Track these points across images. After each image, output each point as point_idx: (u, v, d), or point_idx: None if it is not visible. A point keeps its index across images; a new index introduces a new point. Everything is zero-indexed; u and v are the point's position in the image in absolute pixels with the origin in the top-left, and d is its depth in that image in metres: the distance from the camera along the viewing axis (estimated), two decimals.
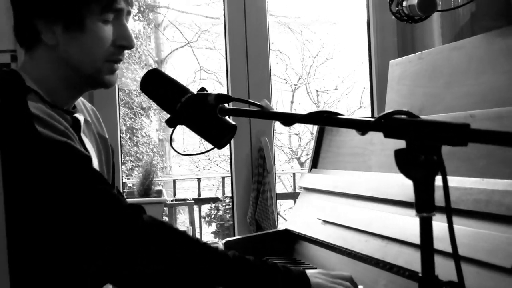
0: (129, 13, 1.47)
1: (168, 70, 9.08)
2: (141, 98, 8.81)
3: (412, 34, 2.81)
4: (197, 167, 8.53)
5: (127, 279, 1.32)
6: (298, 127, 8.52)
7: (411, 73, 2.08)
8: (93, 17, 1.39)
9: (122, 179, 3.00)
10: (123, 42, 1.44)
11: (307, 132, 8.52)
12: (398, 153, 0.81)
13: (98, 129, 1.67)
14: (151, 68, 1.34)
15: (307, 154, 8.37)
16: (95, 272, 1.34)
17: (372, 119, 0.87)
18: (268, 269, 1.35)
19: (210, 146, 1.31)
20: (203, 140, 1.22)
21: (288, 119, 1.03)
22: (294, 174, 6.44)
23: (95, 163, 1.55)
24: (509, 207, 1.14)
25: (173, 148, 1.29)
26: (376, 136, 1.81)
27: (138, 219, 1.30)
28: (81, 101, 1.63)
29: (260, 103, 1.11)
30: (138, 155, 8.61)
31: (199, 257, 1.30)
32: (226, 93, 1.28)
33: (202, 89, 1.27)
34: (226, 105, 1.20)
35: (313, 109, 8.58)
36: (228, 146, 2.82)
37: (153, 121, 9.33)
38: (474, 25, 2.52)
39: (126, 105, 8.73)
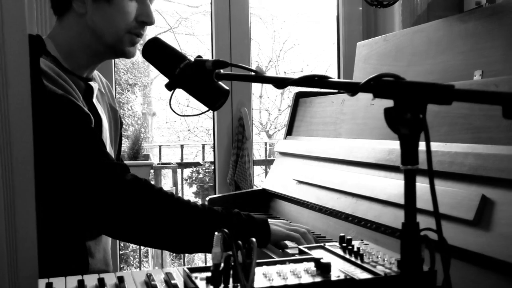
0: None
1: None
2: (128, 76, 8.67)
3: (375, 21, 2.79)
4: (178, 137, 8.46)
5: (112, 227, 1.31)
6: (267, 104, 8.50)
7: (376, 53, 2.05)
8: None
9: None
10: (144, 18, 1.43)
11: (275, 109, 8.50)
12: (387, 111, 0.78)
13: (110, 101, 1.65)
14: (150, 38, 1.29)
15: (275, 128, 8.36)
16: (86, 219, 1.32)
17: (362, 82, 0.84)
18: (234, 215, 1.36)
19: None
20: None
21: (281, 83, 0.99)
22: (266, 143, 6.41)
23: (106, 129, 1.52)
24: (471, 166, 1.13)
25: (172, 109, 1.25)
26: (346, 107, 1.78)
27: (122, 175, 1.29)
28: (97, 74, 1.62)
29: (254, 69, 1.07)
30: (124, 126, 8.51)
31: (173, 208, 1.30)
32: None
33: (199, 57, 1.22)
34: (221, 71, 1.16)
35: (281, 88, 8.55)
36: (211, 115, 2.77)
37: (138, 96, 9.21)
38: (430, 15, 2.51)
39: (115, 81, 8.59)
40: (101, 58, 1.49)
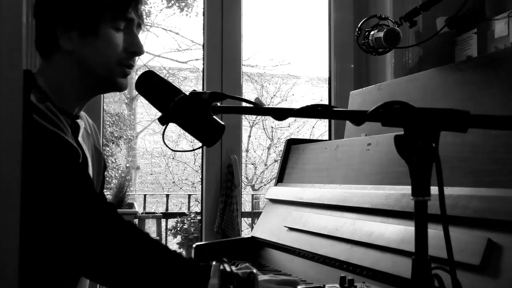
0: (139, 25, 1.46)
1: (139, 106, 8.95)
2: (113, 128, 8.64)
3: (367, 75, 2.80)
4: (162, 188, 8.35)
5: (95, 271, 1.25)
6: (253, 158, 8.45)
7: (370, 102, 2.04)
8: (106, 25, 1.37)
9: None
10: (133, 48, 1.42)
11: (261, 163, 8.45)
12: (397, 139, 0.74)
13: (96, 143, 1.62)
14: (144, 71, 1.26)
15: (261, 182, 8.29)
16: (68, 260, 1.26)
17: (370, 110, 0.80)
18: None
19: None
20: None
21: (282, 114, 0.96)
22: (252, 195, 6.33)
23: (90, 170, 1.49)
24: (475, 209, 1.09)
25: (165, 144, 1.20)
26: (340, 153, 1.75)
27: (109, 215, 1.25)
28: (85, 115, 1.60)
29: (253, 101, 1.03)
30: (107, 178, 8.41)
31: (157, 255, 1.24)
32: None
33: (194, 91, 1.19)
34: (218, 104, 1.12)
35: (268, 143, 8.56)
36: (200, 161, 2.72)
37: (122, 149, 9.14)
38: (422, 68, 2.52)
39: (102, 134, 8.52)
40: (92, 93, 1.47)
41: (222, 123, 1.18)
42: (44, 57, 1.44)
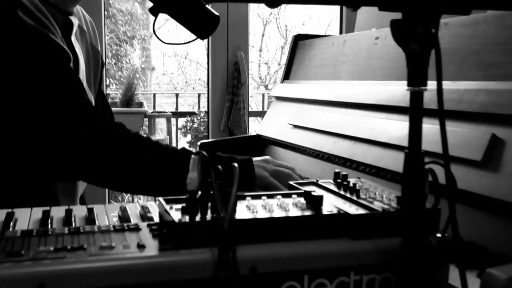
0: None
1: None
2: (126, 28, 8.49)
3: None
4: (175, 88, 8.32)
5: (84, 171, 1.23)
6: (267, 57, 8.32)
7: None
8: None
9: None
10: None
11: (275, 63, 8.33)
12: (394, 24, 0.68)
13: (92, 40, 1.55)
14: None
15: (275, 82, 8.20)
16: (56, 163, 1.24)
17: None
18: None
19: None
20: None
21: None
22: (263, 94, 6.27)
23: (83, 70, 1.44)
24: (482, 104, 1.03)
25: (157, 37, 1.15)
26: (348, 48, 1.68)
27: (98, 117, 1.22)
28: (81, 10, 1.53)
29: None
30: (122, 79, 8.39)
31: (149, 151, 1.21)
32: None
33: None
34: None
35: (282, 42, 8.37)
36: (206, 59, 2.66)
37: (136, 49, 9.04)
38: None
39: (113, 33, 8.40)
40: None
41: (217, 13, 1.12)
42: None
